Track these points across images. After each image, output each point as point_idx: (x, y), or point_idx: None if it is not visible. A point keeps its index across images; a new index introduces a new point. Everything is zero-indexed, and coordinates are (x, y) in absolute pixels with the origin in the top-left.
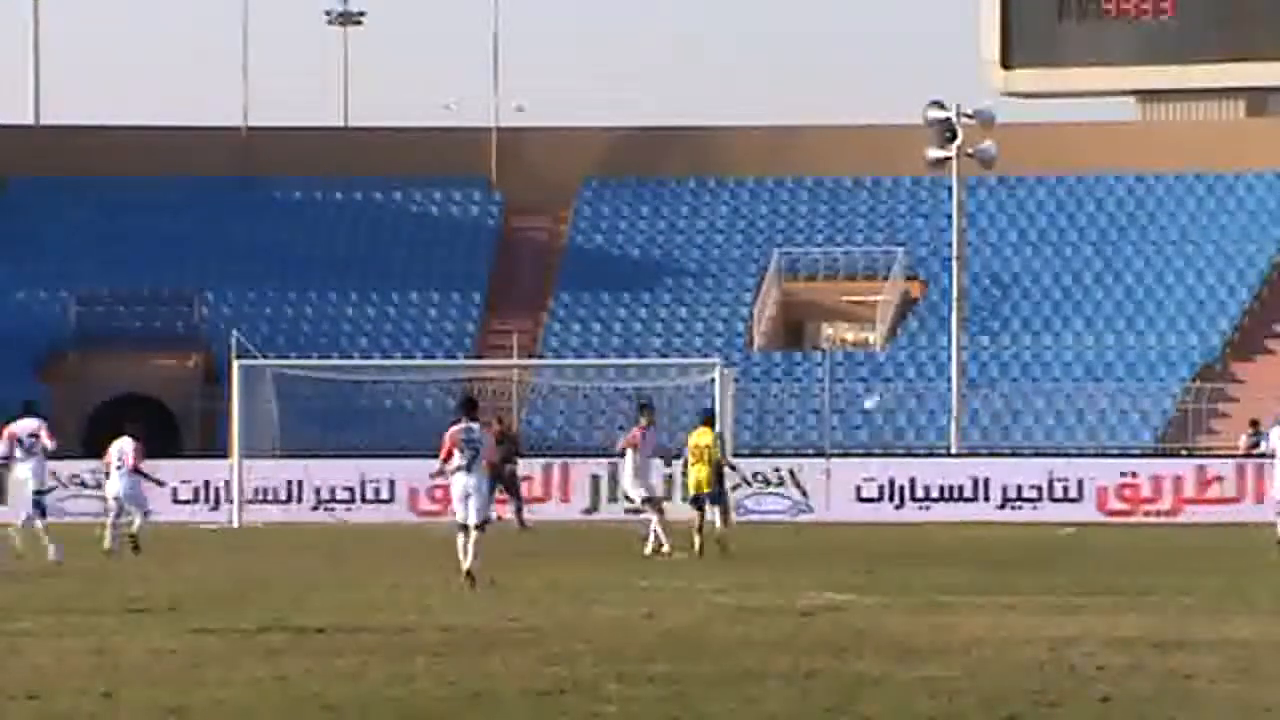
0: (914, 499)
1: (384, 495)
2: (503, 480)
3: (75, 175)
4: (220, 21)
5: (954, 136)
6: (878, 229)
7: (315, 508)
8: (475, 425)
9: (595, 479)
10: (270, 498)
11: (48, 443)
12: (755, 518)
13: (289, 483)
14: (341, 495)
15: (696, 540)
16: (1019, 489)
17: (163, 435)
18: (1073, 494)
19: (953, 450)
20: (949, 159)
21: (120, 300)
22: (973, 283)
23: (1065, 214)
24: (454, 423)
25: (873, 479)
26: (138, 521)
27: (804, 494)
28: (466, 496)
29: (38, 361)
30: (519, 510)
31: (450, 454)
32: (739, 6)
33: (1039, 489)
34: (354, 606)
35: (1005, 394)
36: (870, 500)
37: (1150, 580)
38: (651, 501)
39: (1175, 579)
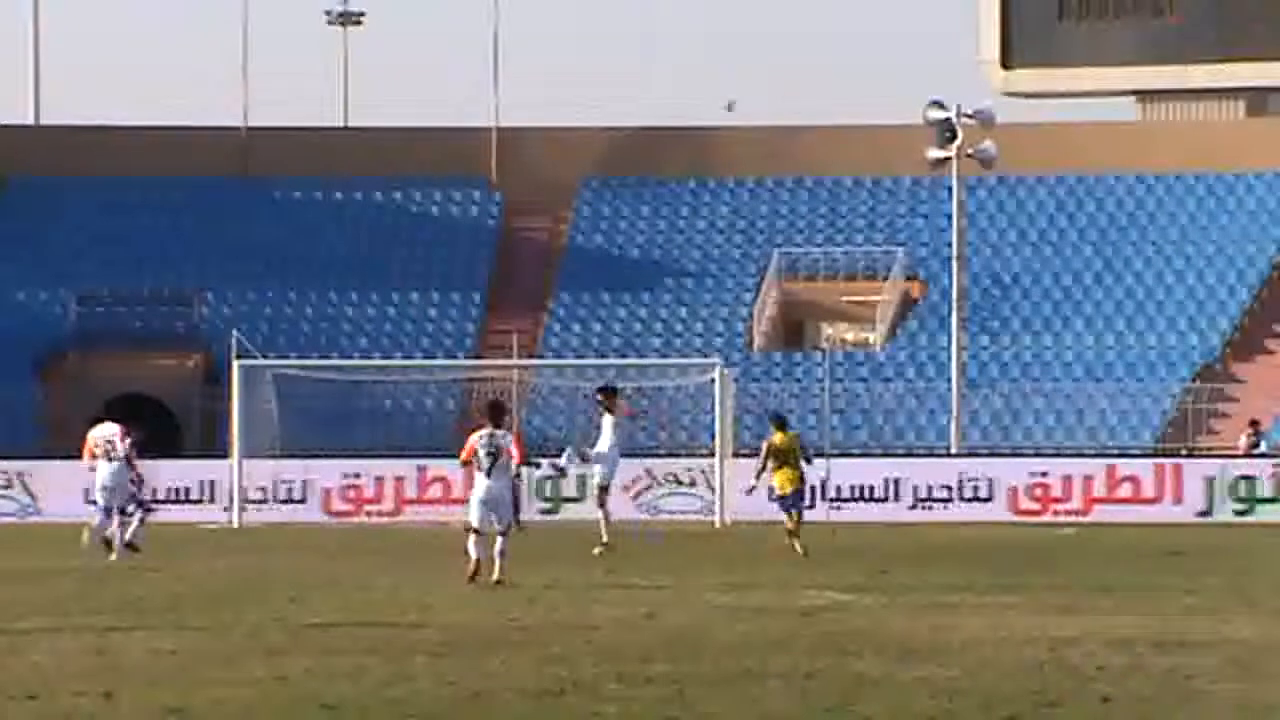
0: (825, 498)
1: (296, 496)
2: None
3: (75, 175)
4: (220, 21)
5: (954, 136)
6: (878, 229)
7: (226, 508)
8: (498, 431)
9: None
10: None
11: (120, 446)
12: (664, 517)
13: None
14: (255, 495)
15: (796, 544)
16: (930, 489)
17: (163, 435)
18: (983, 494)
19: (952, 450)
20: (949, 159)
21: (120, 300)
22: (973, 283)
23: (1065, 214)
24: (477, 426)
25: None
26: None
27: (715, 493)
28: (485, 501)
29: (38, 361)
30: (516, 511)
31: (471, 458)
32: (739, 7)
33: (950, 489)
34: (354, 606)
35: (1005, 394)
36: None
37: (1150, 580)
38: (604, 491)
39: (1175, 579)
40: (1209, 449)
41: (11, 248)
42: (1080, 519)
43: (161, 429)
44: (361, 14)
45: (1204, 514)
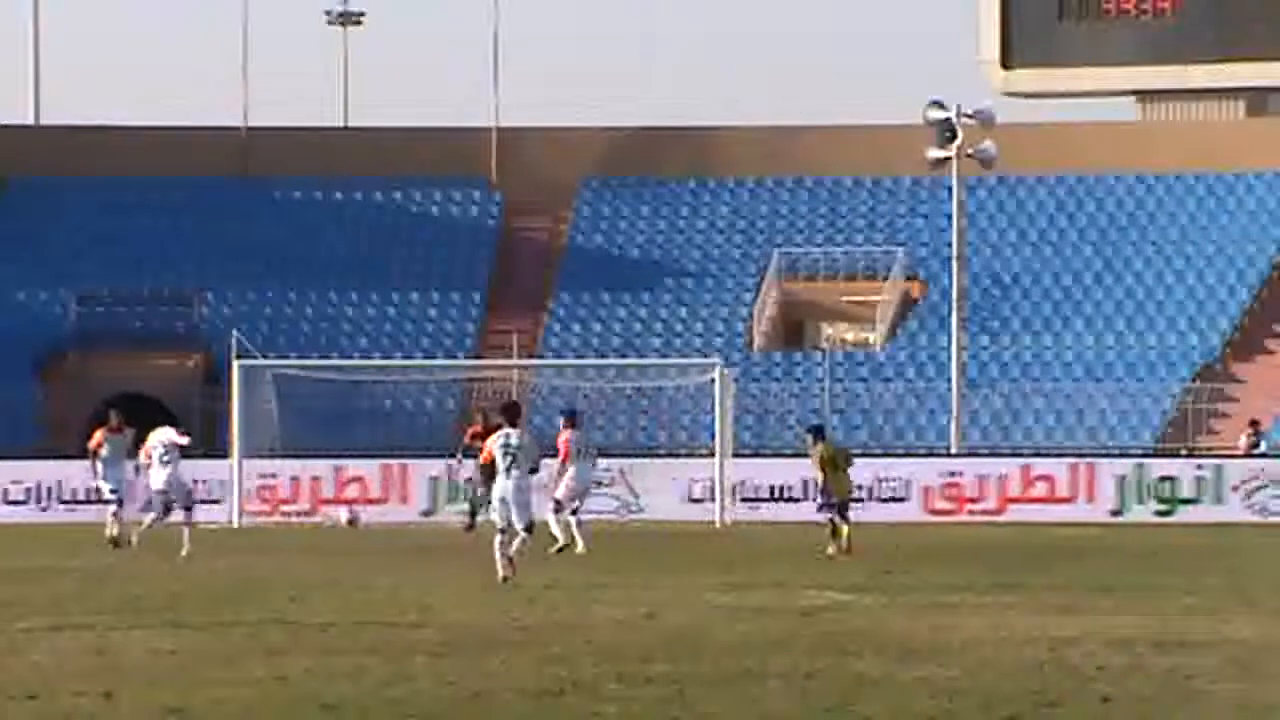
0: (742, 500)
1: (213, 495)
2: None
3: (75, 175)
4: (220, 21)
5: (954, 136)
6: (878, 229)
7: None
8: (514, 431)
9: (434, 480)
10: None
11: (180, 440)
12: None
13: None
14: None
15: (831, 548)
16: (895, 489)
17: None
18: (899, 494)
19: (952, 450)
20: (949, 159)
21: (120, 300)
22: (973, 283)
23: (1065, 214)
24: (495, 428)
25: (699, 480)
26: (180, 515)
27: (634, 494)
28: (504, 500)
29: (38, 361)
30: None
31: (490, 459)
32: (739, 7)
33: (864, 489)
34: (354, 606)
35: (1005, 394)
36: (698, 501)
37: (1150, 580)
38: (559, 504)
39: (1175, 579)
40: (1209, 449)
41: (11, 248)
42: (995, 519)
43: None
44: (361, 14)
45: (1116, 513)
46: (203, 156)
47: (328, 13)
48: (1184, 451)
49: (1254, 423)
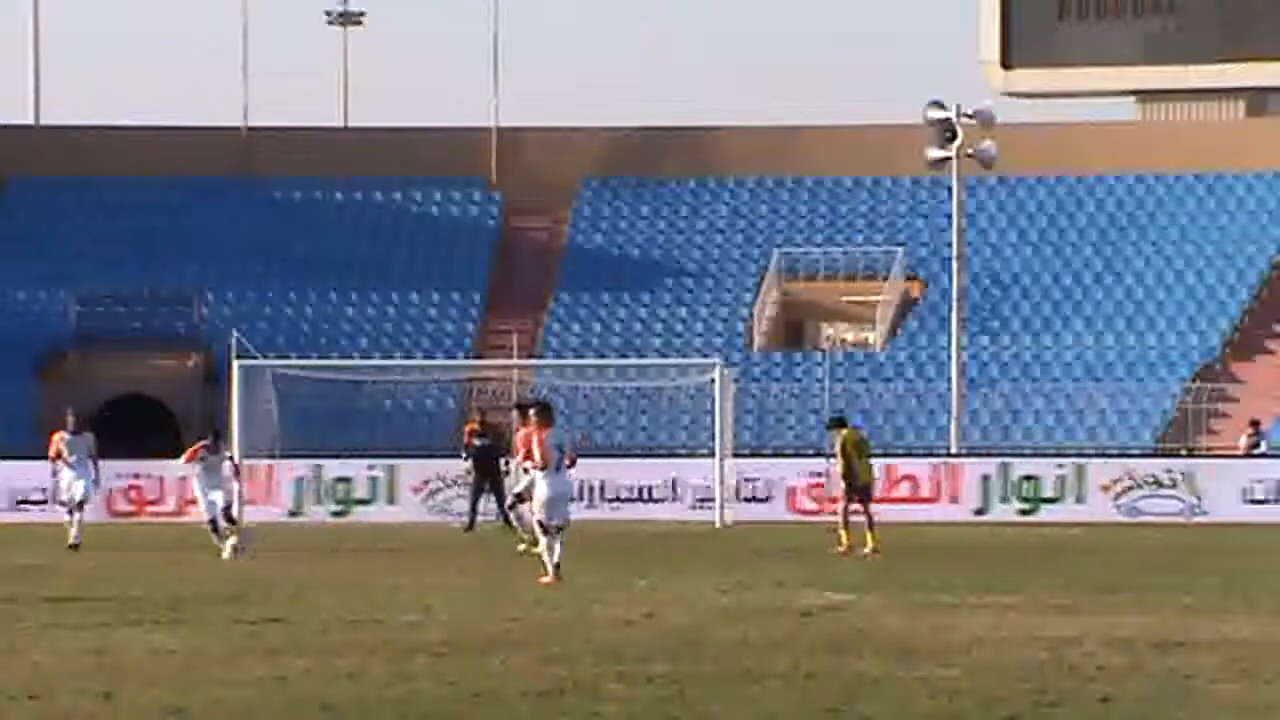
0: (605, 499)
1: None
2: (492, 478)
3: (75, 175)
4: (220, 21)
5: (954, 136)
6: (878, 229)
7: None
8: (557, 430)
9: (300, 480)
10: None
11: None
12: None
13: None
14: (36, 496)
15: (870, 539)
16: (710, 489)
17: (163, 435)
18: (761, 494)
19: (952, 450)
20: (949, 159)
21: (120, 300)
22: (973, 283)
23: (1065, 214)
24: (538, 427)
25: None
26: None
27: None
28: (558, 497)
29: (38, 361)
30: (502, 508)
31: (532, 456)
32: (739, 7)
33: (730, 490)
34: (354, 606)
35: (1005, 394)
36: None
37: (1150, 580)
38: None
39: (1175, 579)
40: (1209, 449)
41: (11, 248)
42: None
43: (161, 429)
44: (361, 14)
45: (980, 512)
46: (203, 156)
47: (328, 13)
48: (1183, 451)
49: (1254, 423)
